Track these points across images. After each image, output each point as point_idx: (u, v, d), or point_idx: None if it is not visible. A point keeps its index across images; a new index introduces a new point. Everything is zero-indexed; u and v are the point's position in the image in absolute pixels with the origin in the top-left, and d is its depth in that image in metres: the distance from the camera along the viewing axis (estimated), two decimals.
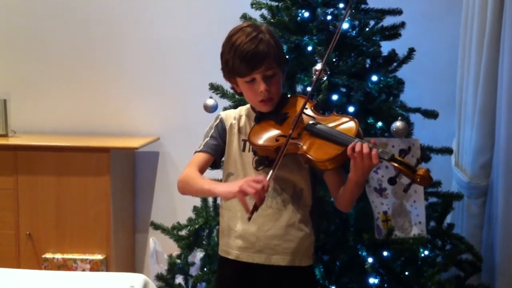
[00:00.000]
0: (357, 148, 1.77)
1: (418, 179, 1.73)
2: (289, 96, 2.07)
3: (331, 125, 1.90)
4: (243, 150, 2.02)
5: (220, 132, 2.05)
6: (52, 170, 3.37)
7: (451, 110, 3.19)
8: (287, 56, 2.47)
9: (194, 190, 1.97)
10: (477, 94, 2.91)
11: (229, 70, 1.98)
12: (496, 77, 2.80)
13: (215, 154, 2.04)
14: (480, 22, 2.89)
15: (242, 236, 1.99)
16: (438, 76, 3.43)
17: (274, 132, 1.95)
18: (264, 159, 1.97)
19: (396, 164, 1.75)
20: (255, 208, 1.79)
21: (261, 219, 1.95)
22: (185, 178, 1.98)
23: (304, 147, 1.87)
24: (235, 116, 2.07)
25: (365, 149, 1.76)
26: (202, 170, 2.01)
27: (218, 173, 2.20)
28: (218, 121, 2.08)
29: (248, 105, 2.10)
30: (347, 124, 1.89)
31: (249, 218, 1.81)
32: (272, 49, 1.93)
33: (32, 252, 3.40)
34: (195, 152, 2.05)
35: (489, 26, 2.81)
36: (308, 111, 1.95)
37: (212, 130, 2.06)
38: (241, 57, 1.91)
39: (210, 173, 2.20)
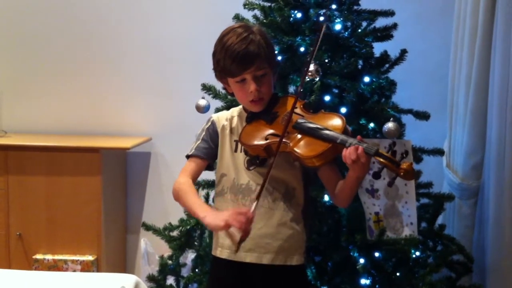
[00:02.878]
0: (348, 149, 1.79)
1: (402, 173, 1.75)
2: (280, 96, 2.08)
3: (319, 122, 1.91)
4: (235, 150, 2.03)
5: (212, 135, 2.06)
6: (43, 170, 3.36)
7: (443, 111, 3.20)
8: (279, 57, 2.49)
9: (184, 205, 1.99)
10: (468, 95, 2.92)
11: (220, 70, 2.00)
12: (487, 79, 2.82)
13: (208, 158, 2.05)
14: (472, 23, 2.91)
15: (233, 235, 1.99)
16: (430, 77, 3.44)
17: (264, 131, 1.97)
18: (255, 158, 1.98)
19: (380, 159, 1.77)
20: (241, 240, 1.82)
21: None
22: (178, 190, 1.99)
23: (292, 145, 1.89)
24: (227, 117, 2.08)
25: (352, 148, 1.78)
26: (195, 177, 2.04)
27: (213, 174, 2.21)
28: (209, 123, 2.09)
29: (240, 106, 2.11)
30: (334, 122, 1.92)
31: (236, 251, 1.85)
32: (262, 49, 1.95)
33: (23, 253, 3.38)
34: (187, 156, 2.06)
35: (481, 28, 2.82)
36: (297, 110, 1.97)
37: (204, 133, 2.07)
38: (231, 57, 1.93)
39: (205, 173, 2.20)
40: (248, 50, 1.92)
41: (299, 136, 1.91)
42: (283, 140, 1.89)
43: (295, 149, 1.88)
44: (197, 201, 1.95)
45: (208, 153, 2.05)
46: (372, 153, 1.77)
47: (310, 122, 1.92)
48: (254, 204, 1.84)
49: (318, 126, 1.90)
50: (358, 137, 1.82)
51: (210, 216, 1.87)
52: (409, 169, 1.75)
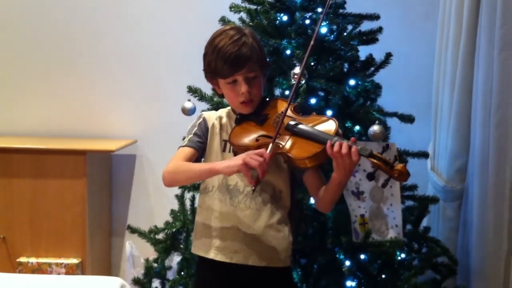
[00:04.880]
0: (337, 147, 1.80)
1: (396, 174, 1.77)
2: (268, 99, 2.08)
3: (311, 125, 1.93)
4: (224, 150, 2.04)
5: (203, 130, 2.07)
6: (27, 173, 3.33)
7: (428, 114, 3.23)
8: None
9: (187, 177, 1.97)
10: (453, 99, 2.94)
11: (211, 71, 2.00)
12: (471, 82, 2.84)
13: (200, 150, 2.05)
14: (456, 27, 2.93)
15: (220, 236, 1.99)
16: (414, 80, 3.46)
17: (255, 132, 1.97)
18: None
19: (374, 160, 1.79)
20: (258, 181, 1.82)
21: (240, 219, 1.95)
22: (175, 168, 1.96)
23: (285, 146, 1.90)
24: (216, 117, 2.09)
25: (344, 147, 1.79)
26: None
27: None
28: (201, 119, 2.09)
29: (228, 108, 2.11)
30: (327, 124, 1.93)
31: (253, 191, 1.86)
32: (254, 52, 1.97)
33: (6, 256, 3.34)
34: (179, 148, 2.05)
35: (465, 31, 2.85)
36: (289, 112, 1.98)
37: (196, 128, 2.07)
38: (224, 58, 1.94)
39: None
40: (241, 52, 1.94)
41: (291, 137, 1.91)
42: (276, 141, 1.90)
43: (288, 150, 1.89)
44: (200, 163, 1.97)
45: (201, 147, 2.05)
46: (366, 155, 1.79)
47: (303, 124, 1.93)
48: (270, 145, 1.85)
49: (311, 128, 1.91)
50: (352, 138, 1.83)
51: (222, 162, 1.90)
52: (403, 171, 1.76)
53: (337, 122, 1.92)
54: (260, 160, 1.79)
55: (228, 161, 1.88)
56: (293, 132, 1.92)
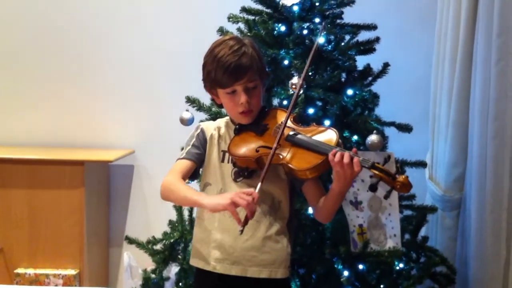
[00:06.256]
0: (338, 157, 1.80)
1: (398, 186, 1.77)
2: (267, 109, 2.08)
3: (311, 135, 1.92)
4: (222, 161, 2.03)
5: (202, 141, 2.07)
6: (24, 183, 3.32)
7: (425, 123, 3.23)
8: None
9: (178, 198, 1.96)
10: (450, 108, 2.95)
11: (210, 81, 2.00)
12: (469, 91, 2.85)
13: (198, 162, 2.04)
14: (453, 36, 2.94)
15: (219, 247, 1.99)
16: (412, 90, 3.46)
17: (255, 143, 1.97)
18: (244, 170, 1.98)
19: (377, 172, 1.79)
20: (246, 221, 1.80)
21: (238, 230, 1.95)
22: (168, 185, 1.96)
23: (286, 157, 1.89)
24: (214, 127, 2.09)
25: (347, 157, 1.79)
26: (184, 177, 2.02)
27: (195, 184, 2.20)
28: (199, 130, 2.09)
29: (226, 118, 2.12)
30: (328, 134, 1.93)
31: (242, 231, 1.81)
32: (254, 62, 1.97)
33: (4, 267, 3.32)
34: (177, 160, 2.05)
35: (462, 41, 2.86)
36: (288, 123, 1.98)
37: (194, 139, 2.07)
38: (223, 68, 1.94)
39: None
40: (241, 62, 1.94)
41: (292, 148, 1.91)
42: (277, 152, 1.90)
43: (289, 161, 1.88)
44: (192, 189, 1.93)
45: (199, 158, 2.05)
46: (369, 166, 1.79)
47: (303, 135, 1.93)
48: (259, 185, 1.83)
49: (312, 139, 1.91)
50: (354, 149, 1.83)
51: (210, 197, 1.88)
52: (405, 182, 1.77)
53: (337, 133, 1.92)
54: (249, 200, 1.77)
55: (215, 198, 1.86)
56: (294, 142, 1.92)
